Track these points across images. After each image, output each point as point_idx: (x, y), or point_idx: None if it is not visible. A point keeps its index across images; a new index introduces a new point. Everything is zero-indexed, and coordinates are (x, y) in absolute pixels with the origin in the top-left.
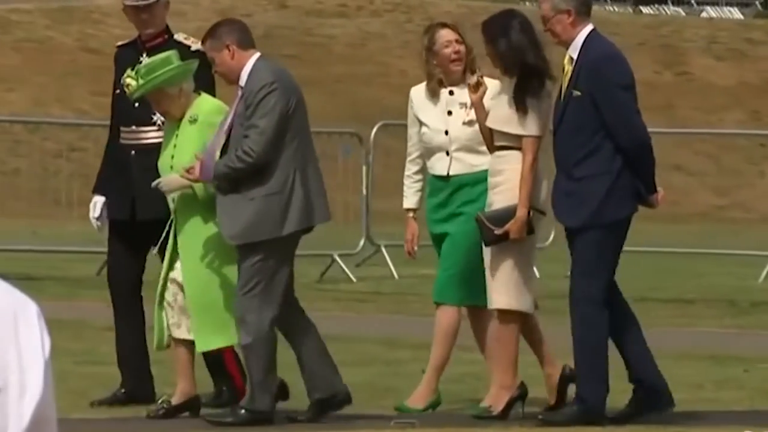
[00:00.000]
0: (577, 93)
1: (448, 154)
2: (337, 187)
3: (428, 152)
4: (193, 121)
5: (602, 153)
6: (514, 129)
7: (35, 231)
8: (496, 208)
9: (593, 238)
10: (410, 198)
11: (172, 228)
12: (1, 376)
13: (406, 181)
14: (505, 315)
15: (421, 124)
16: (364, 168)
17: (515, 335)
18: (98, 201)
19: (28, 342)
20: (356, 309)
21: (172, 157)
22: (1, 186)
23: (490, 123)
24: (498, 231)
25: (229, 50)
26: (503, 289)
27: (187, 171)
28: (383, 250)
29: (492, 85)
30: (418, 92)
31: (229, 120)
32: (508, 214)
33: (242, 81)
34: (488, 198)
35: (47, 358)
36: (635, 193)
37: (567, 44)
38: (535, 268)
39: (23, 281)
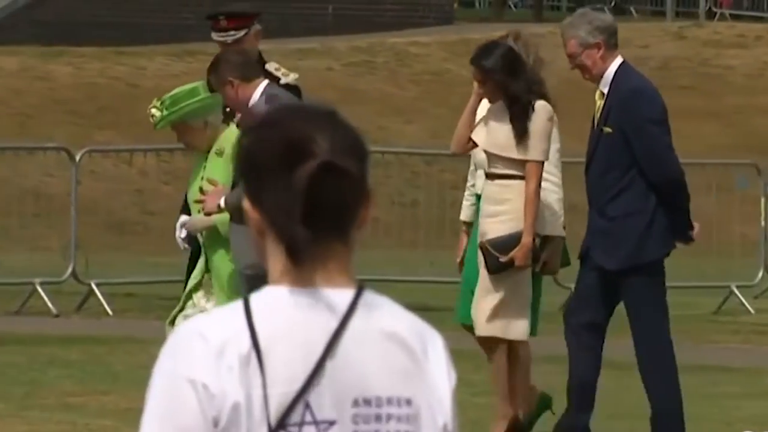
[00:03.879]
0: (608, 130)
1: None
2: (733, 219)
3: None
4: (220, 153)
5: (636, 190)
6: (517, 154)
7: (432, 261)
8: (499, 235)
9: (642, 281)
10: (465, 211)
11: (200, 260)
12: (414, 403)
13: (465, 194)
14: (495, 342)
15: None
16: (762, 199)
17: (505, 362)
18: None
19: (437, 372)
20: (755, 341)
21: (200, 189)
22: (399, 217)
23: (489, 147)
24: (503, 258)
25: (233, 86)
26: (495, 317)
27: (197, 201)
28: None
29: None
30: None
31: None
32: (512, 240)
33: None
34: (482, 226)
35: (453, 389)
36: (672, 230)
37: (597, 79)
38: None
39: (422, 311)
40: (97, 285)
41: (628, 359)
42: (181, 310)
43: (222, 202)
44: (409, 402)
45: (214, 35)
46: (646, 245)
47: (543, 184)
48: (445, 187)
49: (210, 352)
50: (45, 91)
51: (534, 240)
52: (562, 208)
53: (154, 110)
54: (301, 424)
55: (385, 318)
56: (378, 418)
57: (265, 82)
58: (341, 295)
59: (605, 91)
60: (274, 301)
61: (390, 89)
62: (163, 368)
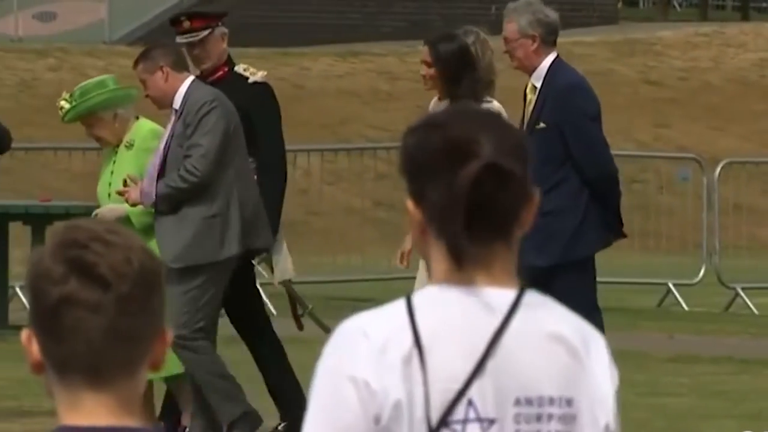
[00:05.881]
0: (542, 125)
1: None
2: None
3: None
4: (130, 146)
5: (569, 186)
6: None
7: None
8: None
9: (570, 277)
10: None
11: None
12: (575, 404)
13: None
14: None
15: None
16: None
17: None
18: None
19: (599, 372)
20: None
21: (110, 184)
22: None
23: None
24: None
25: (163, 72)
26: None
27: (120, 193)
28: None
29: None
30: None
31: (164, 143)
32: None
33: (176, 104)
34: None
35: (616, 389)
36: (604, 227)
37: (526, 70)
38: None
39: None
40: (261, 285)
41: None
42: None
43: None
44: (570, 402)
45: (178, 38)
46: (579, 242)
47: None
48: None
49: (372, 350)
50: None
51: None
52: None
53: (63, 102)
54: (465, 421)
55: (547, 318)
56: (539, 417)
57: (191, 77)
58: (504, 295)
59: (538, 85)
60: (437, 299)
61: None
62: (325, 366)
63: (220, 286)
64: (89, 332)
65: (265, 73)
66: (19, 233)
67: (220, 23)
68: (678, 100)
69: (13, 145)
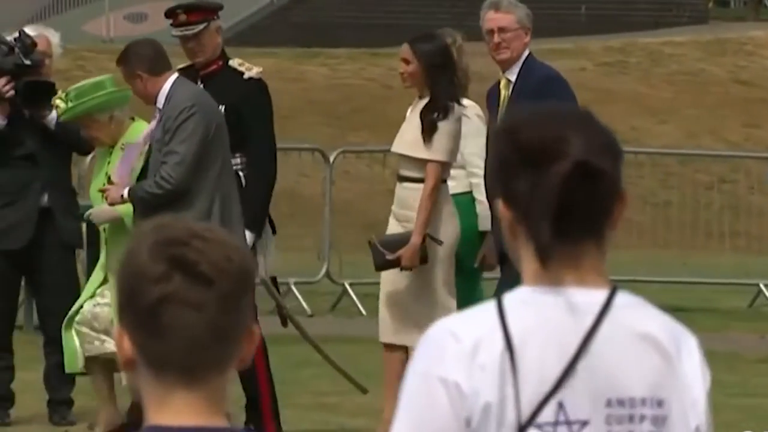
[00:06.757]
0: None
1: None
2: None
3: None
4: (125, 148)
5: None
6: (420, 153)
7: (685, 262)
8: (391, 233)
9: None
10: None
11: (101, 257)
12: (666, 405)
13: None
14: (391, 350)
15: None
16: None
17: (400, 373)
18: None
19: (691, 373)
20: None
21: (103, 184)
22: (652, 217)
23: (396, 148)
24: (389, 256)
25: (141, 79)
26: (392, 323)
27: (101, 191)
28: None
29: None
30: None
31: (142, 140)
32: (402, 240)
33: (160, 103)
34: (391, 229)
35: (708, 390)
36: None
37: (510, 63)
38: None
39: (674, 312)
40: (351, 285)
41: None
42: (76, 313)
43: (125, 193)
44: (661, 403)
45: (174, 31)
46: None
47: (475, 180)
48: (699, 188)
49: (463, 352)
50: (299, 93)
51: (424, 241)
52: None
53: (59, 101)
54: (555, 423)
55: (638, 319)
56: (631, 418)
57: (175, 75)
58: (594, 296)
59: (512, 79)
60: (527, 300)
61: (643, 89)
62: (415, 368)
63: None
64: (191, 330)
65: (261, 69)
66: None
67: (216, 17)
68: None
69: None
